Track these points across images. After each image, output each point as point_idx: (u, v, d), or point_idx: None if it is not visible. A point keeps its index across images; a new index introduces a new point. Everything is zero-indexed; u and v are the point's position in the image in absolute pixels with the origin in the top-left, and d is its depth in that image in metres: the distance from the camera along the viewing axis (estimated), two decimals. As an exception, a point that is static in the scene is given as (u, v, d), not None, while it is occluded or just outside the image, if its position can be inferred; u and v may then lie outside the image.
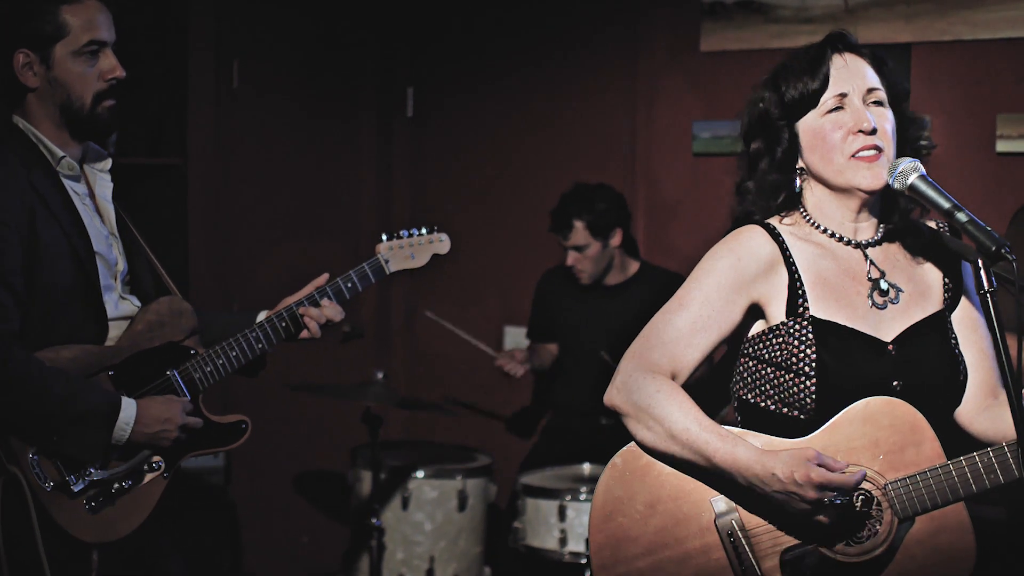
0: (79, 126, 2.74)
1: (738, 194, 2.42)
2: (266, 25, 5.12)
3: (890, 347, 2.32)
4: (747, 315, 2.35)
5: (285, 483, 5.23)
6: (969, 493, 2.23)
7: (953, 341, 2.37)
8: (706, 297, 2.32)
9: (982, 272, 2.09)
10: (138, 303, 2.85)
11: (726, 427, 2.30)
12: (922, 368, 2.32)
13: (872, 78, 2.33)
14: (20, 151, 2.69)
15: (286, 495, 5.23)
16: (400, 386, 5.51)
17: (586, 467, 4.49)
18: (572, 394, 4.75)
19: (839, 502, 2.17)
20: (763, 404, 2.35)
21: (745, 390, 2.39)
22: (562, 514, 4.20)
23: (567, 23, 5.27)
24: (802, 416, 2.30)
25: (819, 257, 2.35)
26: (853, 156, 2.28)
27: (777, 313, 2.33)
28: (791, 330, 2.31)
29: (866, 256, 2.37)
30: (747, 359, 2.38)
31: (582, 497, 4.20)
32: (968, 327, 2.40)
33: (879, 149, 2.28)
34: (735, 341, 2.40)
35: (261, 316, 2.99)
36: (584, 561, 4.16)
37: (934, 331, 2.36)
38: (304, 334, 2.97)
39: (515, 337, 5.36)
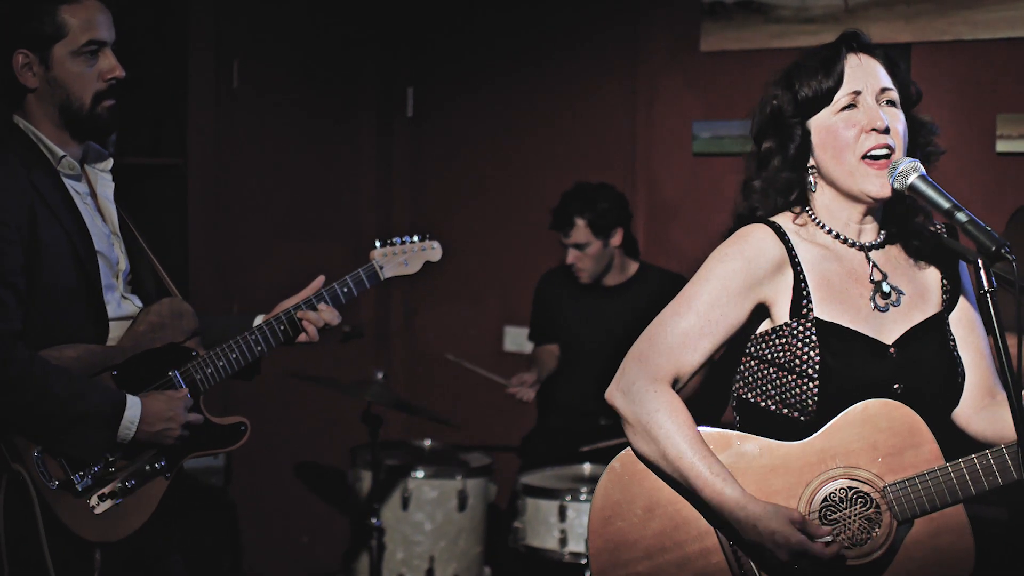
0: (79, 126, 2.74)
1: (743, 192, 2.42)
2: (266, 25, 5.12)
3: (891, 350, 2.32)
4: (753, 315, 2.35)
5: (285, 483, 5.23)
6: (968, 495, 2.23)
7: (952, 343, 2.37)
8: (714, 300, 2.31)
9: (982, 272, 2.09)
10: (140, 303, 2.85)
11: (727, 430, 2.30)
12: (922, 371, 2.32)
13: (885, 78, 2.33)
14: (20, 151, 2.69)
15: (286, 495, 5.23)
16: (400, 386, 5.51)
17: (586, 467, 4.49)
18: (572, 394, 4.75)
19: (808, 568, 2.19)
20: (763, 404, 2.35)
21: (746, 389, 2.39)
22: (562, 514, 4.20)
23: (567, 23, 5.27)
24: (802, 417, 2.30)
25: (823, 259, 2.35)
26: (865, 155, 2.28)
27: (781, 313, 2.33)
28: (795, 331, 2.31)
29: (869, 258, 2.37)
30: (749, 359, 2.38)
31: (582, 497, 4.20)
32: (965, 327, 2.40)
33: (891, 148, 2.28)
34: (738, 341, 2.40)
35: (258, 320, 3.00)
36: (584, 561, 4.16)
37: (933, 333, 2.37)
38: (302, 337, 2.99)
39: (515, 337, 5.36)
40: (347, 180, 5.50)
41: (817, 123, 2.34)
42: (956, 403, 2.37)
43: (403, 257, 3.14)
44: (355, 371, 5.04)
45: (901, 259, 2.40)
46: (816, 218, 2.38)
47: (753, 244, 2.33)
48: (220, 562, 4.62)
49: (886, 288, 2.36)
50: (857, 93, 2.31)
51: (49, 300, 2.65)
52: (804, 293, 2.32)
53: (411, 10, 5.59)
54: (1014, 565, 3.08)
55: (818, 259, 2.35)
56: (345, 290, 3.02)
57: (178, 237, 4.77)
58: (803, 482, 2.27)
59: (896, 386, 2.30)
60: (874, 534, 2.25)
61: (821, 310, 2.32)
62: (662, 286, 4.49)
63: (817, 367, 2.28)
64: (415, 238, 3.18)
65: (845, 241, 2.37)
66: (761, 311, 2.36)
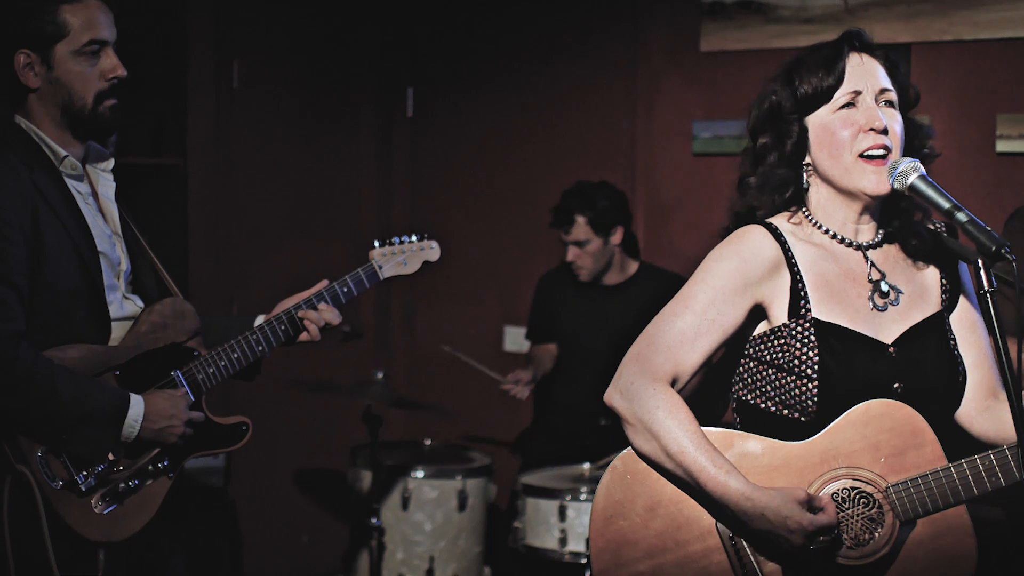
0: (81, 126, 2.74)
1: (739, 189, 2.42)
2: (266, 25, 5.12)
3: (891, 349, 2.32)
4: (750, 316, 2.35)
5: (285, 483, 5.23)
6: (970, 496, 2.23)
7: (952, 342, 2.37)
8: (711, 300, 2.31)
9: (982, 272, 2.10)
10: (141, 303, 2.85)
11: (728, 430, 2.30)
12: (922, 370, 2.32)
13: (885, 79, 2.33)
14: (22, 151, 2.69)
15: (286, 495, 5.23)
16: (399, 386, 5.51)
17: (586, 467, 4.49)
18: (572, 394, 4.75)
19: (824, 542, 2.19)
20: (763, 405, 2.35)
21: (745, 391, 2.39)
22: (562, 514, 4.20)
23: (567, 23, 5.27)
24: (802, 418, 2.30)
25: (820, 259, 2.35)
26: (861, 155, 2.28)
27: (779, 315, 2.33)
28: (793, 332, 2.31)
29: (866, 258, 2.37)
30: (748, 360, 2.38)
31: (582, 497, 4.20)
32: (967, 327, 2.40)
33: (887, 149, 2.28)
34: (736, 342, 2.40)
35: (259, 320, 3.01)
36: (584, 561, 4.16)
37: (933, 332, 2.37)
38: (303, 336, 3.01)
39: (515, 337, 5.36)
40: (347, 180, 5.50)
41: (815, 120, 2.34)
42: (957, 403, 2.37)
43: (402, 257, 3.16)
44: (355, 371, 5.04)
45: (900, 258, 2.40)
46: (812, 218, 2.38)
47: (749, 244, 2.33)
48: (220, 562, 4.62)
49: (884, 287, 2.36)
50: (857, 93, 2.31)
51: (52, 300, 2.65)
52: (802, 294, 2.32)
53: (411, 10, 5.59)
54: (1013, 566, 3.08)
55: (815, 259, 2.35)
56: (345, 290, 3.03)
57: (178, 237, 4.77)
58: (805, 482, 2.27)
59: (896, 386, 2.30)
60: (876, 534, 2.25)
61: (819, 310, 2.32)
62: (662, 286, 4.47)
63: (816, 367, 2.28)
64: (413, 238, 3.19)
65: (842, 241, 2.37)
66: (758, 312, 2.36)
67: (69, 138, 2.75)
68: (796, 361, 2.30)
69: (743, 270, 2.32)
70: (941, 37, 4.40)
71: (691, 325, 2.31)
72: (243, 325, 2.98)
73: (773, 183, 2.37)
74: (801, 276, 2.33)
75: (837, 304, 2.33)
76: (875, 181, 2.29)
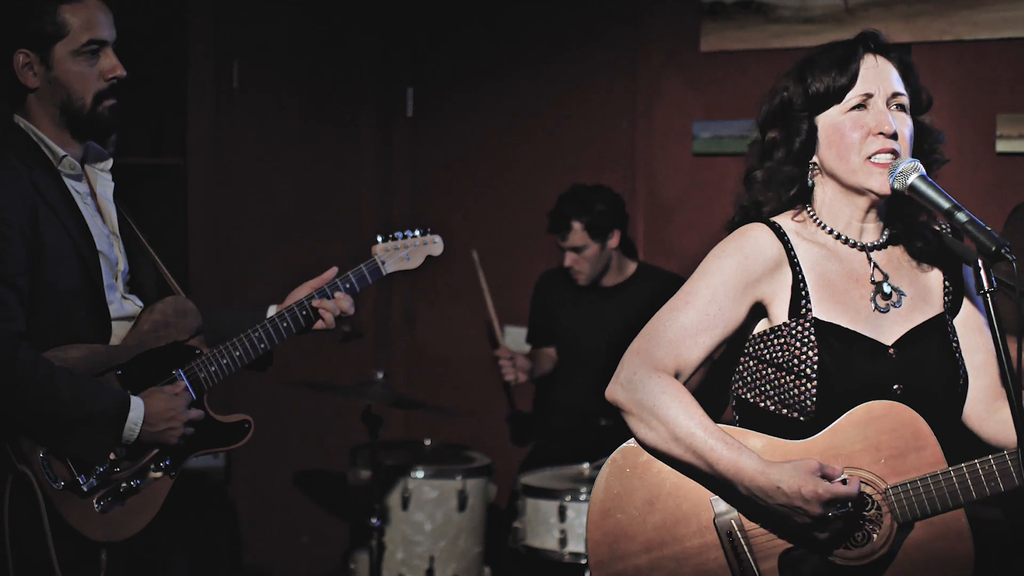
0: (80, 126, 2.74)
1: (745, 182, 2.42)
2: (266, 25, 5.12)
3: (891, 350, 2.32)
4: (751, 314, 2.35)
5: (285, 483, 5.23)
6: (969, 499, 2.23)
7: (954, 344, 2.37)
8: (712, 295, 2.31)
9: (982, 272, 2.09)
10: (140, 303, 2.85)
11: (728, 427, 2.30)
12: (922, 372, 2.32)
13: (898, 83, 2.32)
14: (21, 151, 2.69)
15: (286, 495, 5.23)
16: (399, 386, 5.50)
17: (586, 467, 4.49)
18: (572, 395, 4.75)
19: (843, 511, 2.17)
20: (763, 404, 2.35)
21: (745, 390, 2.39)
22: (562, 514, 4.20)
23: (567, 23, 5.27)
24: (802, 418, 2.30)
25: (823, 258, 2.35)
26: (869, 158, 2.28)
27: (780, 313, 2.33)
28: (793, 331, 2.31)
29: (870, 259, 2.37)
30: (748, 359, 2.38)
31: (582, 497, 4.20)
32: (973, 329, 2.40)
33: (895, 153, 2.28)
34: (737, 340, 2.40)
35: (271, 311, 3.00)
36: (584, 561, 4.16)
37: (934, 334, 2.36)
38: (318, 324, 3.00)
39: (515, 337, 5.35)
40: (347, 180, 5.51)
41: (825, 120, 2.34)
42: (957, 405, 2.37)
43: (405, 252, 3.15)
44: (355, 371, 5.04)
45: (903, 260, 2.40)
46: (816, 217, 2.38)
47: (751, 242, 2.33)
48: (220, 562, 4.62)
49: (887, 289, 2.36)
50: (868, 95, 2.30)
51: (52, 301, 2.65)
52: (803, 293, 2.32)
53: (411, 10, 5.59)
54: (1012, 567, 3.08)
55: (818, 259, 2.35)
56: (348, 286, 3.02)
57: (178, 237, 4.77)
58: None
59: (896, 387, 2.30)
60: (875, 536, 2.25)
61: (820, 310, 2.32)
62: (661, 286, 4.47)
63: (816, 367, 2.28)
64: (416, 232, 3.19)
65: (846, 241, 2.37)
66: (759, 311, 2.36)
67: (68, 138, 2.75)
68: (796, 360, 2.30)
69: (745, 267, 2.32)
70: (941, 37, 4.40)
71: (693, 320, 2.31)
72: (255, 317, 2.98)
73: (779, 179, 2.37)
74: (803, 275, 2.33)
75: (838, 304, 2.33)
76: (881, 181, 2.29)
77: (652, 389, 2.28)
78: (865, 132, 2.29)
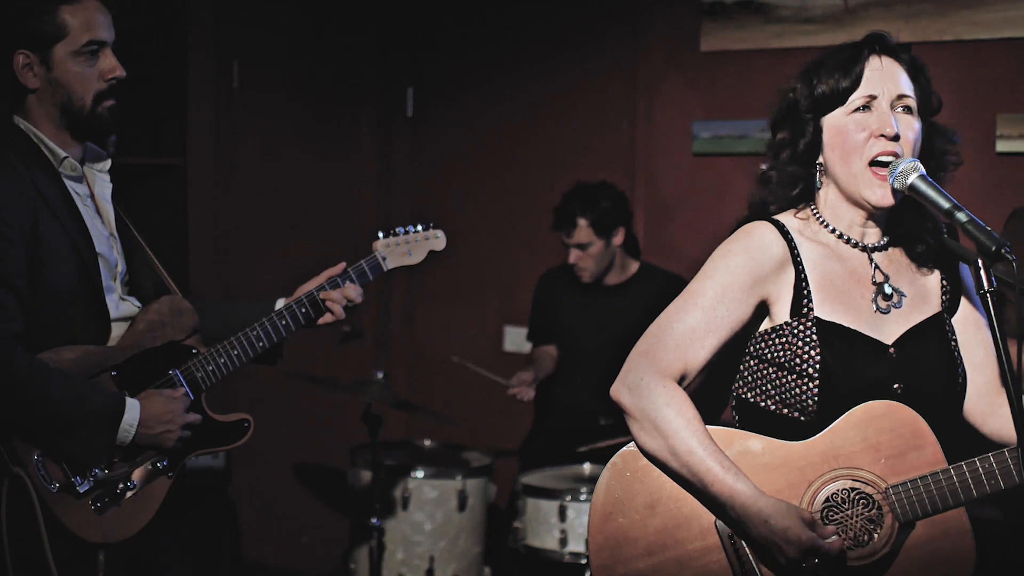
0: (80, 126, 2.74)
1: (760, 182, 2.42)
2: (266, 25, 5.12)
3: (891, 350, 2.32)
4: (755, 313, 2.35)
5: (285, 483, 5.23)
6: (970, 498, 2.23)
7: (953, 343, 2.37)
8: (719, 296, 2.31)
9: (982, 272, 2.09)
10: (138, 304, 2.85)
11: (728, 428, 2.30)
12: (922, 370, 2.32)
13: (905, 85, 2.32)
14: (21, 152, 2.68)
15: (286, 495, 5.23)
16: (399, 386, 5.51)
17: (586, 467, 4.49)
18: (572, 394, 4.75)
19: (815, 566, 2.19)
20: (763, 404, 2.35)
21: (746, 389, 2.39)
22: (562, 514, 4.20)
23: (567, 23, 5.27)
24: (802, 418, 2.30)
25: (825, 258, 2.35)
26: (872, 162, 2.28)
27: (782, 312, 2.33)
28: (795, 330, 2.31)
29: (871, 260, 2.37)
30: (749, 358, 2.38)
31: (582, 497, 4.20)
32: (973, 327, 2.40)
33: (897, 156, 2.27)
34: (739, 339, 2.40)
35: (279, 303, 2.99)
36: (584, 561, 4.16)
37: (933, 333, 2.37)
38: (326, 318, 2.99)
39: (515, 337, 5.36)
40: (347, 180, 5.51)
41: (830, 122, 2.34)
42: (957, 403, 2.37)
43: (407, 247, 3.13)
44: (355, 371, 5.04)
45: (904, 262, 2.40)
46: (820, 217, 2.38)
47: (756, 241, 2.33)
48: (220, 562, 4.62)
49: (888, 290, 2.36)
50: (872, 97, 2.30)
51: (52, 302, 2.65)
52: (805, 292, 2.32)
53: (411, 10, 5.59)
54: (1012, 567, 3.08)
55: (820, 258, 2.35)
56: (347, 282, 3.00)
57: (178, 237, 4.77)
58: (805, 482, 2.27)
59: (896, 386, 2.30)
60: (875, 535, 2.25)
61: (822, 310, 2.32)
62: (663, 286, 4.49)
63: (817, 367, 2.28)
64: (419, 227, 3.16)
65: (848, 241, 2.37)
66: (763, 309, 2.36)
67: (68, 139, 2.75)
68: (797, 360, 2.30)
69: (751, 266, 2.32)
70: (941, 37, 4.40)
71: (700, 322, 2.31)
72: (264, 309, 2.97)
73: (784, 179, 2.37)
74: (805, 274, 2.33)
75: (840, 304, 2.33)
76: (880, 194, 2.29)
77: (657, 399, 2.27)
78: (868, 134, 2.29)
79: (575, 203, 4.59)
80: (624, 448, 2.36)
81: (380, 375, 4.44)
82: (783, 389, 2.32)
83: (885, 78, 2.31)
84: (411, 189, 5.67)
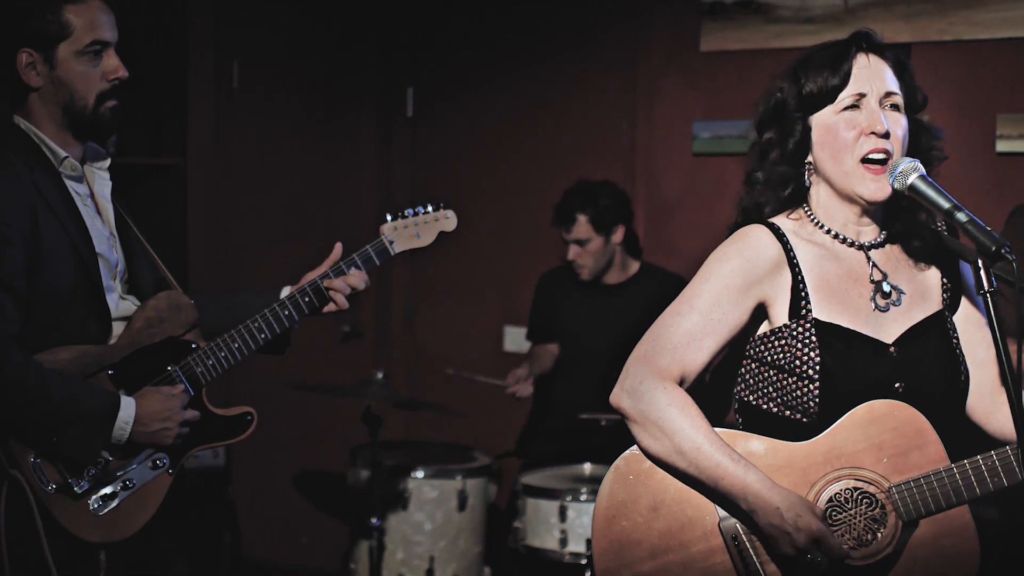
0: (82, 126, 2.73)
1: (747, 184, 2.41)
2: (266, 25, 5.12)
3: (891, 349, 2.32)
4: (753, 315, 2.35)
5: (285, 483, 5.23)
6: (973, 496, 2.23)
7: (954, 340, 2.37)
8: (716, 299, 2.31)
9: (982, 272, 2.10)
10: (137, 302, 2.84)
11: (730, 430, 2.30)
12: (923, 369, 2.32)
13: (892, 82, 2.32)
14: (22, 152, 2.68)
15: (286, 495, 5.23)
16: (400, 386, 5.50)
17: (586, 467, 4.49)
18: (572, 394, 4.74)
19: (818, 560, 2.19)
20: (765, 406, 2.35)
21: (747, 392, 2.39)
22: (562, 514, 4.20)
23: (567, 23, 5.27)
24: (804, 419, 2.30)
25: (822, 259, 2.35)
26: (863, 159, 2.28)
27: (780, 315, 2.33)
28: (794, 333, 2.31)
29: (868, 258, 2.37)
30: (749, 361, 2.38)
31: (583, 497, 4.20)
32: (974, 324, 2.40)
33: (888, 154, 2.28)
34: (739, 343, 2.40)
35: (285, 292, 2.96)
36: (584, 562, 4.16)
37: (934, 330, 2.37)
38: (329, 307, 2.94)
39: (515, 337, 5.36)
40: (347, 180, 5.51)
41: (818, 120, 2.34)
42: (959, 400, 2.37)
43: (415, 229, 3.05)
44: (355, 371, 5.04)
45: (902, 258, 2.40)
46: (814, 217, 2.38)
47: (751, 244, 2.33)
48: (220, 561, 4.62)
49: (886, 288, 2.36)
50: (861, 95, 2.30)
51: (52, 301, 2.65)
52: (803, 294, 2.32)
53: (411, 10, 5.59)
54: (1014, 566, 3.08)
55: (817, 259, 2.35)
56: (352, 269, 2.95)
57: (178, 237, 4.77)
58: (808, 482, 2.27)
59: (897, 385, 2.30)
60: (879, 535, 2.25)
61: (820, 311, 2.32)
62: (663, 286, 4.49)
63: (817, 368, 2.28)
64: (428, 208, 3.07)
65: (844, 241, 2.37)
66: (761, 312, 2.36)
67: (69, 139, 2.75)
68: (797, 362, 2.30)
69: (746, 269, 2.32)
70: (941, 37, 4.40)
71: (697, 325, 2.31)
72: (268, 299, 2.92)
73: (774, 180, 2.37)
74: (802, 276, 2.33)
75: (838, 304, 2.33)
76: (873, 188, 2.29)
77: (658, 401, 2.28)
78: (858, 132, 2.29)
79: (575, 199, 4.59)
80: (627, 451, 2.36)
81: (380, 375, 4.44)
82: (784, 391, 2.32)
83: (873, 75, 2.31)
84: (411, 189, 5.66)
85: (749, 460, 2.27)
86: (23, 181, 2.63)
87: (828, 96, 2.32)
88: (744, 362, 2.40)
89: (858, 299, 2.34)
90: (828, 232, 2.37)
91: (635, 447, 2.34)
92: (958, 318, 2.40)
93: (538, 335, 4.92)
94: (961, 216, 2.15)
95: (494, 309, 5.49)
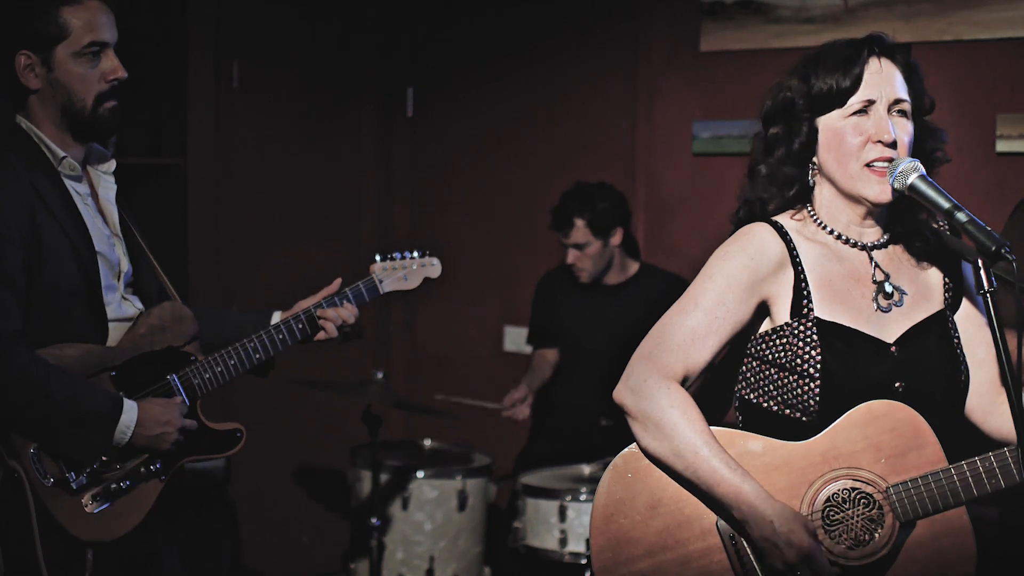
0: (81, 127, 2.74)
1: (750, 177, 2.41)
2: (266, 25, 5.12)
3: (892, 348, 2.32)
4: (756, 313, 2.35)
5: (285, 483, 5.23)
6: (970, 497, 2.23)
7: (955, 340, 2.37)
8: (719, 298, 2.31)
9: (982, 272, 2.10)
10: (140, 304, 2.85)
11: (729, 429, 2.30)
12: (923, 369, 2.32)
13: (901, 88, 2.31)
14: (22, 152, 2.68)
15: (286, 495, 5.23)
16: (399, 386, 5.50)
17: (586, 467, 4.49)
18: (572, 394, 4.75)
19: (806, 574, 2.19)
20: (766, 405, 2.35)
21: (748, 390, 2.39)
22: (562, 514, 4.20)
23: (567, 23, 5.27)
24: (804, 418, 2.30)
25: (825, 258, 2.35)
26: (867, 166, 2.28)
27: (782, 313, 2.33)
28: (795, 331, 2.31)
29: (871, 258, 2.37)
30: (751, 359, 2.38)
31: (582, 497, 4.20)
32: (974, 324, 2.40)
33: (893, 162, 2.28)
34: (740, 340, 2.40)
35: (276, 317, 3.02)
36: (584, 561, 4.16)
37: (935, 330, 2.37)
38: (320, 335, 3.04)
39: (515, 337, 5.36)
40: (347, 180, 5.51)
41: (826, 123, 2.33)
42: (958, 401, 2.37)
43: (402, 272, 3.22)
44: (355, 371, 5.04)
45: (904, 259, 2.40)
46: (817, 217, 2.38)
47: (755, 242, 2.33)
48: (220, 562, 4.62)
49: (888, 288, 2.36)
50: (871, 101, 2.29)
51: (50, 300, 2.65)
52: (805, 293, 2.32)
53: (411, 10, 5.59)
54: (1012, 567, 3.08)
55: (819, 258, 2.35)
56: (344, 302, 3.08)
57: (178, 237, 4.77)
58: (806, 482, 2.27)
59: (897, 385, 2.30)
60: (876, 535, 2.25)
61: (822, 310, 2.32)
62: (663, 286, 4.49)
63: (818, 367, 2.28)
64: (415, 254, 3.24)
65: (847, 241, 2.37)
66: (764, 310, 2.36)
67: (69, 139, 2.75)
68: (798, 361, 2.30)
69: (750, 267, 2.32)
70: (941, 37, 4.40)
71: (701, 323, 2.31)
72: (259, 321, 3.00)
73: (779, 179, 2.36)
74: (805, 275, 2.33)
75: (840, 304, 2.33)
76: (878, 190, 2.29)
77: (660, 401, 2.28)
78: (865, 139, 2.29)
79: (573, 203, 4.59)
80: (626, 449, 2.36)
81: (380, 375, 4.44)
82: (785, 390, 2.32)
83: (883, 81, 2.30)
84: (411, 189, 5.67)
85: (747, 459, 2.27)
86: (21, 181, 2.63)
87: (838, 99, 2.31)
88: (745, 360, 2.40)
89: (860, 299, 2.35)
90: (831, 233, 2.37)
91: (634, 445, 2.35)
92: (959, 318, 2.40)
93: (539, 338, 4.92)
94: (961, 216, 2.15)
95: (494, 309, 5.49)
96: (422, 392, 5.52)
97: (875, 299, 2.35)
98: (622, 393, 2.33)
